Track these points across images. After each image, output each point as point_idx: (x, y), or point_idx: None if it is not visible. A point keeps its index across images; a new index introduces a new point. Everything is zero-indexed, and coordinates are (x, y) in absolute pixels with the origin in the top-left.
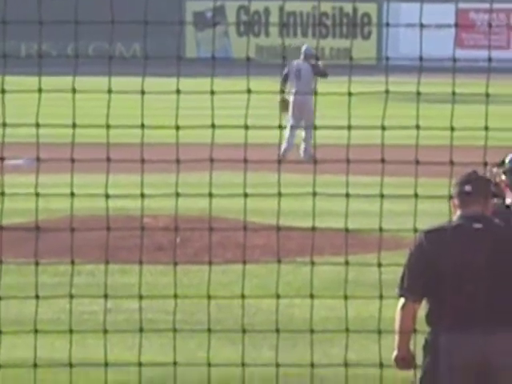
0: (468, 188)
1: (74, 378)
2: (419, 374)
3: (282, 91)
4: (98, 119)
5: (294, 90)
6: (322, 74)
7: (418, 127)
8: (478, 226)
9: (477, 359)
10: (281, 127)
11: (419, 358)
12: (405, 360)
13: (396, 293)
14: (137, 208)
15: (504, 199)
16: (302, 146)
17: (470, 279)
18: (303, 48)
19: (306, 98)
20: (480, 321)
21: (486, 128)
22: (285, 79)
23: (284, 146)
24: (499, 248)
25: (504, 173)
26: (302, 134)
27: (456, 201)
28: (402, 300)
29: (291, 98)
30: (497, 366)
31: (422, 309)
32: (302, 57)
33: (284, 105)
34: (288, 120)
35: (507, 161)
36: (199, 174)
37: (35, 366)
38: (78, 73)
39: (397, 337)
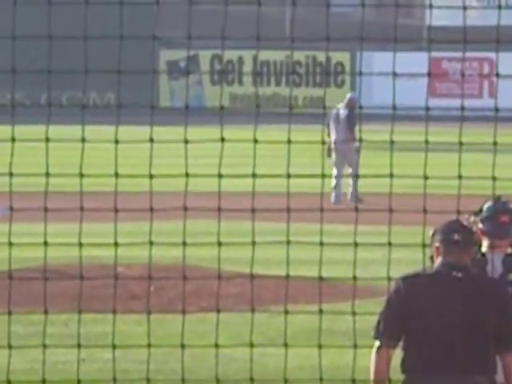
0: (457, 237)
1: None
2: None
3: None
4: (72, 168)
5: (334, 137)
6: (350, 126)
7: (391, 176)
8: (457, 274)
9: None
10: (254, 175)
11: None
12: None
13: (371, 335)
14: (110, 257)
15: (480, 247)
16: (350, 191)
17: (446, 327)
18: (349, 95)
19: (346, 144)
20: (456, 368)
21: (460, 176)
22: (327, 125)
23: (333, 194)
24: (476, 298)
25: (481, 221)
26: (348, 180)
27: (441, 248)
28: (377, 343)
29: (332, 146)
30: None
31: (397, 357)
32: (344, 103)
33: (328, 152)
34: (333, 167)
35: (484, 209)
36: (173, 222)
37: None
38: (51, 122)
39: (372, 381)
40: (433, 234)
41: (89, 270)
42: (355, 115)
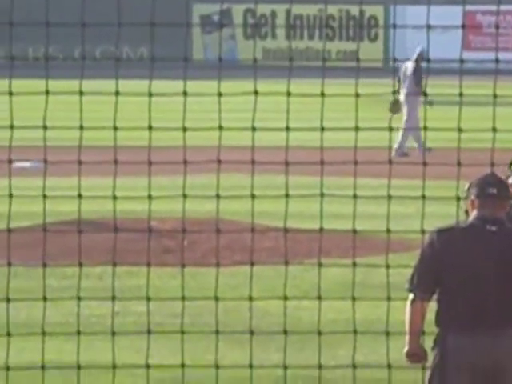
0: (492, 190)
1: (82, 380)
2: (428, 374)
3: (395, 92)
4: (106, 122)
5: (404, 91)
6: (416, 81)
7: (425, 128)
8: (492, 228)
9: (485, 360)
10: (288, 129)
11: (429, 357)
12: (416, 355)
13: (406, 288)
14: (144, 211)
15: None
16: (397, 145)
17: (480, 281)
18: (418, 49)
19: (413, 98)
20: (489, 322)
21: (494, 129)
22: (398, 80)
23: (398, 145)
24: (510, 252)
25: None
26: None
27: (476, 201)
28: (411, 296)
29: (401, 99)
30: (505, 367)
31: (431, 310)
32: (414, 57)
33: (396, 106)
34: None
35: None
36: (207, 176)
37: (43, 368)
38: (84, 76)
39: (407, 332)
40: (468, 188)
41: (123, 224)
42: (422, 69)
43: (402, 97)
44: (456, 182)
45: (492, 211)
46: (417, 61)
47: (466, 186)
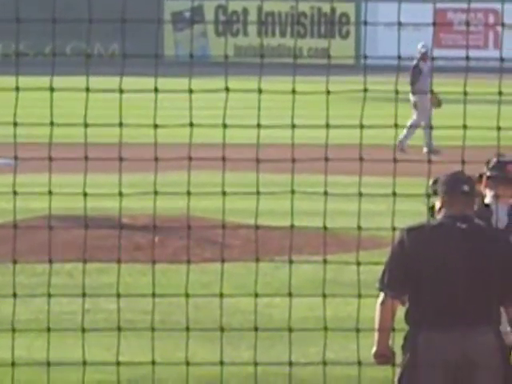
0: (465, 188)
1: (52, 377)
2: (398, 372)
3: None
4: (76, 119)
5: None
6: (412, 79)
7: (396, 126)
8: (462, 225)
9: (456, 356)
10: (259, 126)
11: (398, 357)
12: (384, 356)
13: (376, 287)
14: (115, 208)
15: (483, 199)
16: (425, 142)
17: (450, 278)
18: (421, 46)
19: (422, 97)
20: (460, 319)
21: (465, 127)
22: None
23: (403, 136)
24: (481, 249)
25: (489, 170)
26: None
27: (446, 199)
28: (382, 295)
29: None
30: (476, 363)
31: (401, 308)
32: (420, 55)
33: (437, 101)
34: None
35: (491, 161)
36: (178, 173)
37: (13, 365)
38: (55, 72)
39: (376, 333)
40: (433, 184)
41: (93, 221)
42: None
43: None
44: (427, 179)
45: (462, 209)
46: (418, 60)
47: (431, 183)
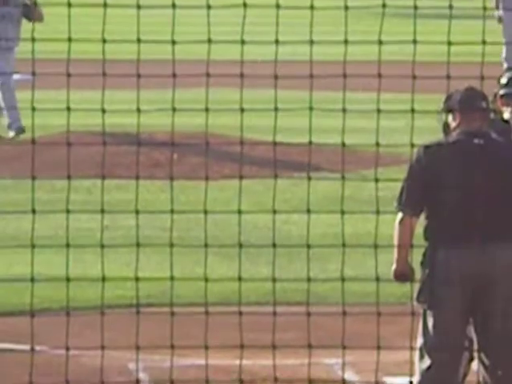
0: (480, 104)
1: (71, 293)
2: (417, 288)
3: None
4: (94, 35)
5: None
6: None
7: (415, 42)
8: (479, 141)
9: (474, 272)
10: (277, 42)
11: (417, 274)
12: (403, 273)
13: (394, 207)
14: (133, 124)
15: (502, 114)
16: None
17: (469, 194)
18: None
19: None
20: (478, 235)
21: (484, 43)
22: None
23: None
24: (498, 164)
25: (501, 95)
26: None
27: (461, 116)
28: (400, 214)
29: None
30: (494, 279)
31: (420, 225)
32: None
33: None
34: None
35: (503, 81)
36: (196, 90)
37: (32, 281)
38: None
39: (395, 251)
40: (446, 101)
41: (112, 138)
42: None
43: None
44: (445, 95)
45: (479, 125)
46: None
47: (444, 99)
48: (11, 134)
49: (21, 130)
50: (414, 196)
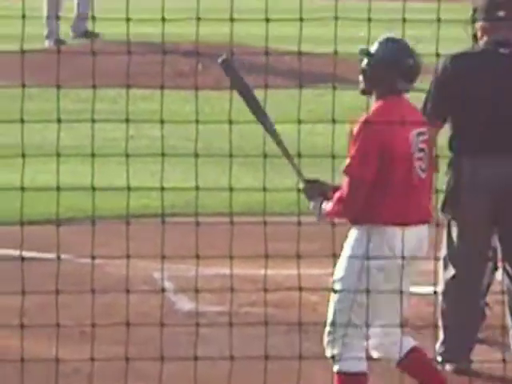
0: (502, 13)
1: (97, 202)
2: (442, 197)
3: None
4: None
5: None
6: None
7: None
8: (505, 51)
9: (499, 181)
10: None
11: (442, 183)
12: None
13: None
14: (158, 34)
15: None
16: None
17: (494, 104)
18: None
19: None
20: (503, 144)
21: None
22: None
23: None
24: None
25: None
26: None
27: (486, 25)
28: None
29: None
30: None
31: (445, 135)
32: None
33: None
34: None
35: None
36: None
37: (58, 190)
38: None
39: None
40: (474, 11)
41: (137, 47)
42: None
43: None
44: (471, 5)
45: (504, 34)
46: None
47: (471, 10)
48: (48, 43)
49: (59, 42)
50: (440, 106)
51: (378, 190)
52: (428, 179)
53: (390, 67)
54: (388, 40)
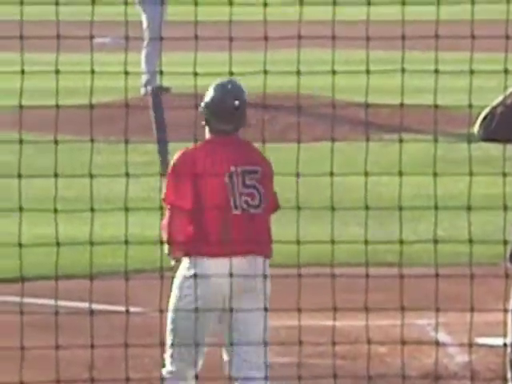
0: None
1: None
2: (509, 248)
3: None
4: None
5: None
6: None
7: (508, 1)
8: None
9: None
10: (370, 3)
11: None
12: None
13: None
14: None
15: None
16: None
17: None
18: None
19: None
20: None
21: None
22: None
23: None
24: None
25: None
26: None
27: None
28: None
29: None
30: None
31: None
32: None
33: None
34: None
35: None
36: (287, 51)
37: (126, 243)
38: None
39: None
40: None
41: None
42: None
43: None
44: None
45: None
46: None
47: None
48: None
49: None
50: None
51: (193, 221)
52: (262, 215)
53: (208, 109)
54: (216, 85)
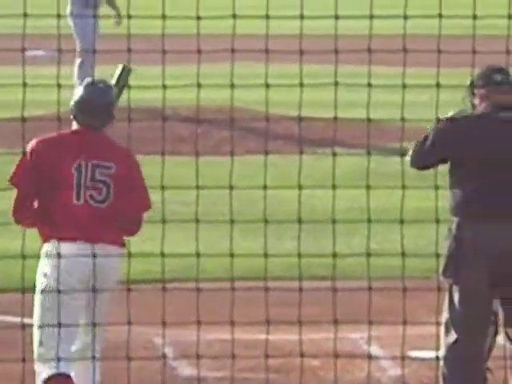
0: (500, 77)
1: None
2: (443, 262)
3: None
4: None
5: None
6: None
7: (440, 16)
8: (503, 115)
9: (500, 247)
10: (302, 17)
11: (443, 248)
12: None
13: (408, 153)
14: (158, 99)
15: None
16: None
17: (493, 168)
18: None
19: None
20: (504, 210)
21: (510, 17)
22: None
23: None
24: None
25: None
26: None
27: (485, 91)
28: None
29: None
30: None
31: (446, 198)
32: None
33: None
34: None
35: None
36: (220, 64)
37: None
38: None
39: None
40: (470, 84)
41: (136, 113)
42: None
43: None
44: (470, 69)
45: (504, 98)
46: None
47: (468, 82)
48: None
49: None
50: (430, 160)
51: (40, 204)
52: (106, 210)
53: (76, 105)
54: (87, 83)
